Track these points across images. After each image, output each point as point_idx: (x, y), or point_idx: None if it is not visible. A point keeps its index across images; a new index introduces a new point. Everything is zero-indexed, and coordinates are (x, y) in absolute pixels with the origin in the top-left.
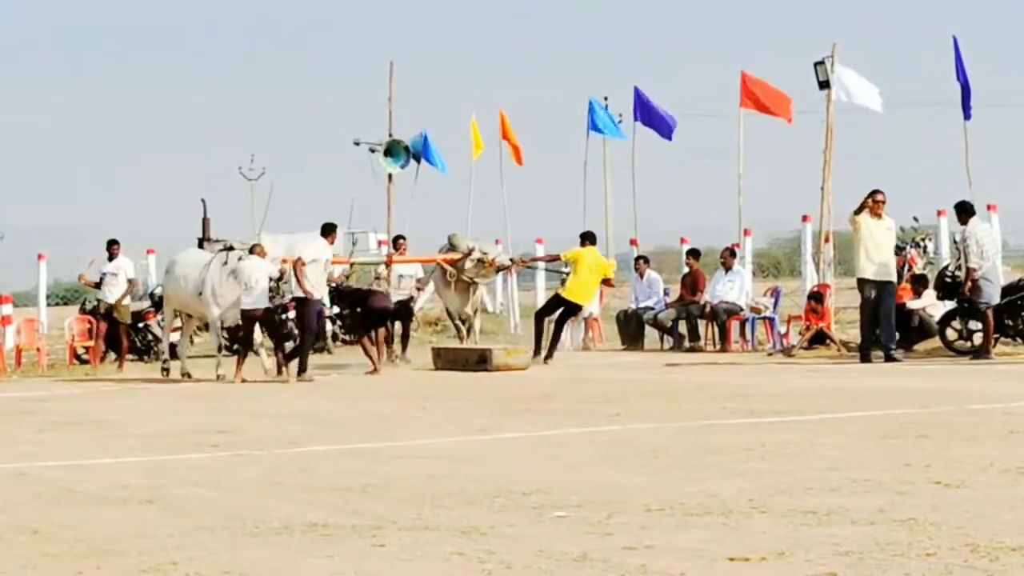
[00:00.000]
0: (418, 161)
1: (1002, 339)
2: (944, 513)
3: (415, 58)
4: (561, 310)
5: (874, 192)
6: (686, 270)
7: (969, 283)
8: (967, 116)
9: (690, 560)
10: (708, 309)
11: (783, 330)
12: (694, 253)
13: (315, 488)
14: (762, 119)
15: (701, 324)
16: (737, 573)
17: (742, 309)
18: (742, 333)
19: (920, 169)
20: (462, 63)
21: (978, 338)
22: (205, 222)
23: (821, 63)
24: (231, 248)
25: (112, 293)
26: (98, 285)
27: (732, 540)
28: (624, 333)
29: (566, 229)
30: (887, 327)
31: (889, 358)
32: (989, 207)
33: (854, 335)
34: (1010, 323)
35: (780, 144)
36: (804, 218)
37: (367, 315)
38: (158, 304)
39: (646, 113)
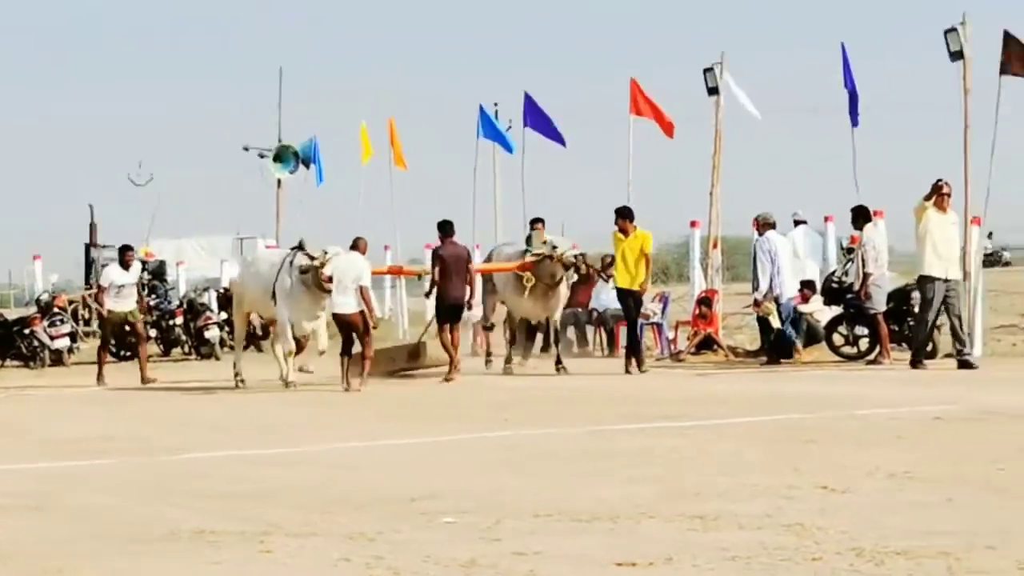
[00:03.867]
0: (307, 166)
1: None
2: (830, 518)
3: (305, 63)
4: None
5: (939, 183)
6: (576, 277)
7: (864, 288)
8: (855, 123)
9: (578, 566)
10: (596, 315)
11: (671, 336)
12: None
13: (206, 494)
14: (652, 126)
15: (590, 330)
16: None
17: None
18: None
19: (808, 175)
20: (353, 68)
21: (864, 343)
22: (92, 227)
23: (710, 70)
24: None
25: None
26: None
27: (620, 546)
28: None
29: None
30: (958, 330)
31: (964, 364)
32: (876, 213)
33: (741, 340)
34: (896, 329)
35: (669, 150)
36: (692, 223)
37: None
38: (44, 309)
39: (536, 119)
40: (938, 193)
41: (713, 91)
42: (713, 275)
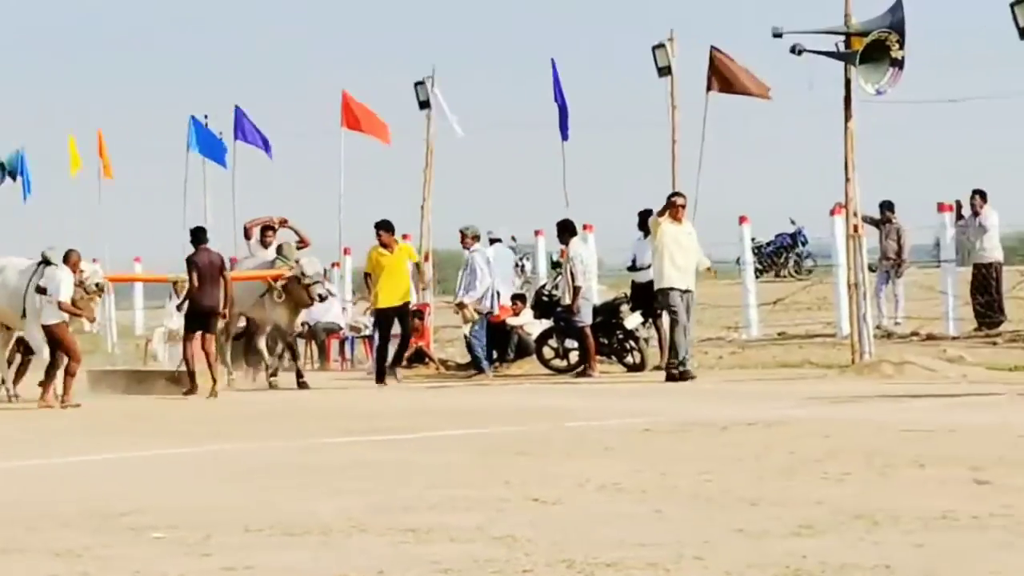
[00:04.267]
0: (14, 178)
1: (597, 357)
2: (541, 529)
3: (12, 74)
4: None
5: (672, 197)
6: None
7: (575, 302)
8: (565, 137)
9: None
10: (307, 328)
11: None
12: None
13: None
14: (364, 139)
15: (301, 343)
16: None
17: (341, 328)
18: (341, 352)
19: (519, 189)
20: (59, 79)
21: (574, 356)
22: None
23: (421, 83)
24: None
25: None
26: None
27: (332, 559)
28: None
29: (167, 248)
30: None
31: (672, 377)
32: (585, 227)
33: (452, 353)
34: (605, 341)
35: (381, 163)
36: (404, 236)
37: None
38: None
39: (247, 132)
40: (672, 207)
41: (424, 105)
42: (423, 289)
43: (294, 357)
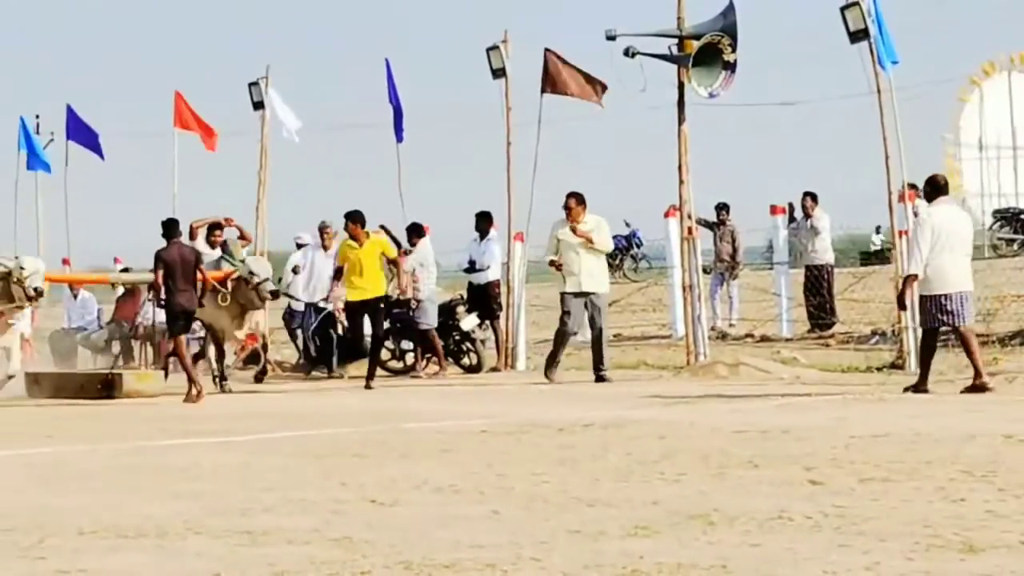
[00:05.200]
0: None
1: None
2: (379, 531)
3: None
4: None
5: (568, 201)
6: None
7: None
8: (399, 138)
9: None
10: (142, 329)
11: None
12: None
13: None
14: (197, 139)
15: (136, 344)
16: None
17: None
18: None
19: (355, 191)
20: None
21: (410, 357)
22: None
23: (255, 84)
24: None
25: None
26: None
27: (168, 561)
28: (56, 353)
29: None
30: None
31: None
32: (424, 228)
33: (288, 355)
34: (441, 343)
35: (216, 164)
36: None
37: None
38: None
39: (79, 132)
40: (569, 211)
41: (258, 105)
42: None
43: (220, 359)
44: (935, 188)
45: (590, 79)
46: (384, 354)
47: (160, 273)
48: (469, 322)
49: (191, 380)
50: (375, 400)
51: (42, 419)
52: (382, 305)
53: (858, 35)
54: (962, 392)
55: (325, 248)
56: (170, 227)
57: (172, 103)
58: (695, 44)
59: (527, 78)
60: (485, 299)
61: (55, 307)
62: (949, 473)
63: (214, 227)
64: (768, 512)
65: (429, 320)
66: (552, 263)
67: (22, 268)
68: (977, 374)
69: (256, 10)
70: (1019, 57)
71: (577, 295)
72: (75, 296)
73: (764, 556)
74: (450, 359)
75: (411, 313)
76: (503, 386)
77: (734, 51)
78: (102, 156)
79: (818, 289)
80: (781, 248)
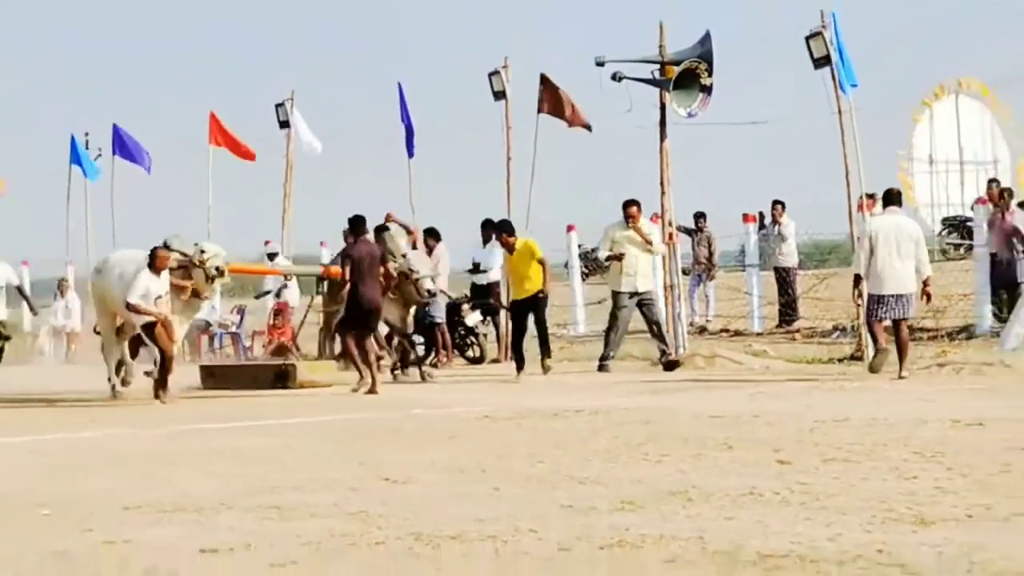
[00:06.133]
0: None
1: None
2: (392, 506)
3: None
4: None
5: (630, 203)
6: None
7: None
8: (411, 154)
9: (165, 553)
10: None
11: (248, 343)
12: None
13: None
14: (228, 155)
15: None
16: (208, 562)
17: (211, 324)
18: (211, 346)
19: (370, 201)
20: None
21: (420, 350)
22: None
23: (281, 104)
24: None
25: None
26: None
27: (203, 534)
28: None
29: (53, 251)
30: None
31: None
32: None
33: (312, 348)
34: (448, 336)
35: (245, 178)
36: (266, 242)
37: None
38: None
39: (125, 148)
40: (631, 217)
41: (284, 124)
42: (284, 290)
43: (407, 351)
44: (887, 200)
45: (577, 109)
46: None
47: (347, 269)
48: (473, 318)
49: (361, 371)
50: (388, 389)
51: (89, 402)
52: (541, 296)
53: (821, 62)
54: (893, 380)
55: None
56: (358, 224)
57: (207, 122)
58: (675, 69)
59: (525, 99)
60: (487, 298)
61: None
62: (902, 454)
63: (380, 228)
64: (741, 489)
65: (440, 315)
66: (611, 257)
67: (203, 252)
68: (901, 367)
69: (283, 37)
70: (965, 82)
71: (632, 295)
72: None
73: (737, 528)
74: (456, 351)
75: (426, 308)
76: (503, 376)
77: (710, 75)
78: (148, 170)
79: (784, 289)
80: (752, 252)
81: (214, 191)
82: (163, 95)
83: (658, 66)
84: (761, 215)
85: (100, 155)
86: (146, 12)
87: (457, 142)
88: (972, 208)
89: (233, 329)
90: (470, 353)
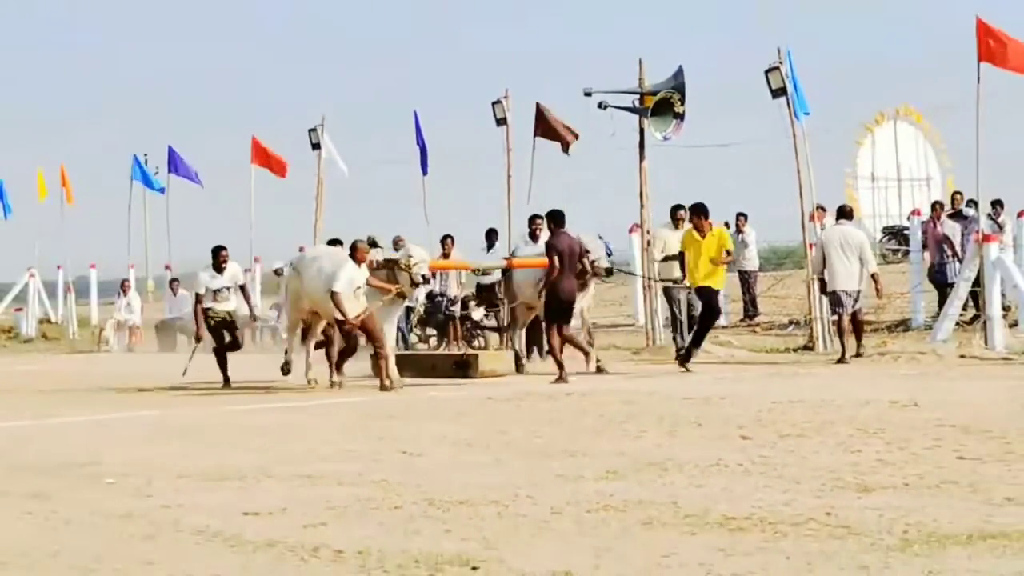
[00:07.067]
0: None
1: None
2: (408, 475)
3: None
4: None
5: (678, 210)
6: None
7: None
8: (425, 172)
9: (214, 515)
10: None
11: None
12: None
13: None
14: (268, 173)
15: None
16: (250, 523)
17: (256, 318)
18: (253, 340)
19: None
20: (31, 122)
21: (433, 341)
22: None
23: (314, 129)
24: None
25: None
26: None
27: (246, 499)
28: (160, 338)
29: (116, 256)
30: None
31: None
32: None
33: None
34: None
35: (282, 193)
36: (300, 248)
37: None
38: None
39: (178, 166)
40: (677, 219)
41: (316, 146)
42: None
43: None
44: (839, 214)
45: (568, 129)
46: (412, 338)
47: (555, 259)
48: (478, 313)
49: (560, 364)
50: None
51: (147, 387)
52: (718, 291)
53: (778, 92)
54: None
55: (535, 239)
56: (558, 218)
57: (250, 145)
58: (653, 99)
59: (523, 125)
60: (491, 296)
61: (161, 302)
62: (848, 431)
63: (534, 218)
64: (709, 461)
65: (456, 310)
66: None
67: (410, 256)
68: (843, 352)
69: (315, 70)
70: (903, 109)
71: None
72: (175, 293)
73: (706, 495)
74: (463, 341)
75: (444, 304)
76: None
77: (683, 104)
78: (201, 184)
79: (747, 288)
80: None
81: (255, 203)
82: (207, 121)
83: (638, 96)
84: (727, 225)
85: (157, 172)
86: (193, 48)
87: (464, 162)
88: (908, 219)
89: (272, 323)
90: (476, 343)
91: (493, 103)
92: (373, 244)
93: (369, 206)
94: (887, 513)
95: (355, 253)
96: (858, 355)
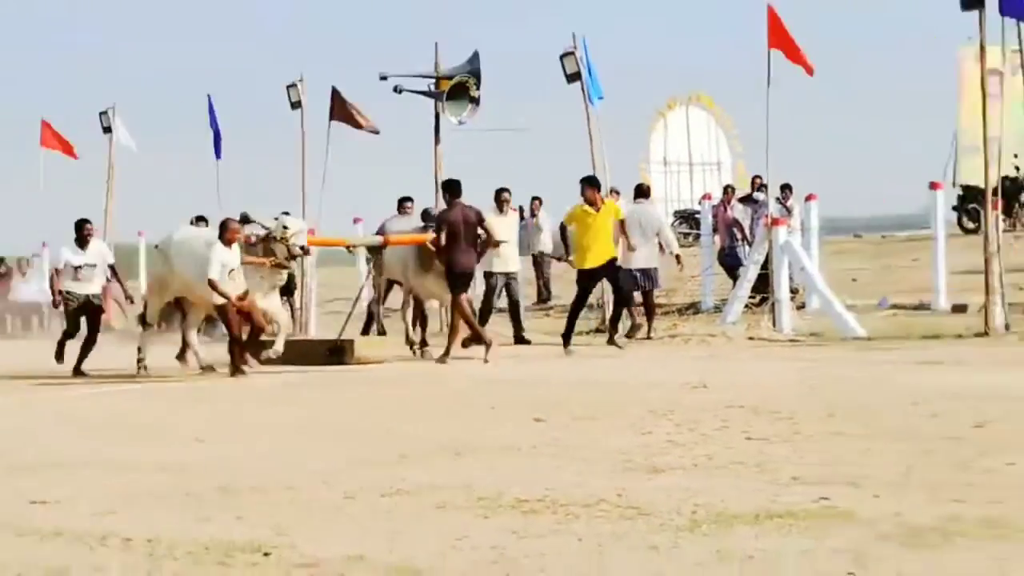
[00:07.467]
0: None
1: None
2: (203, 462)
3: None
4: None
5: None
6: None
7: None
8: (218, 156)
9: (0, 504)
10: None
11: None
12: None
13: None
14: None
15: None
16: (38, 512)
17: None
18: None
19: (179, 199)
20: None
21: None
22: None
23: (105, 113)
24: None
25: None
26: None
27: (35, 489)
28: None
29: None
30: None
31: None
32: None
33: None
34: None
35: (72, 175)
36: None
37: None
38: None
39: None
40: (502, 201)
41: (107, 130)
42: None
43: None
44: (636, 193)
45: (367, 119)
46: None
47: (443, 234)
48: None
49: (475, 329)
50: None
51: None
52: (616, 264)
53: (573, 77)
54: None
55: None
56: (453, 187)
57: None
58: (449, 83)
59: (320, 109)
60: None
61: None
62: (639, 412)
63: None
64: (503, 443)
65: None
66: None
67: (285, 227)
68: (649, 327)
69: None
70: (695, 96)
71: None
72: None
73: (502, 476)
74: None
75: None
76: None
77: (478, 88)
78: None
79: (540, 272)
80: (514, 243)
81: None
82: None
83: (433, 80)
84: (522, 208)
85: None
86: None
87: (258, 147)
88: (700, 203)
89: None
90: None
91: (288, 86)
92: (245, 220)
93: (162, 192)
94: (676, 494)
95: (225, 233)
96: (648, 337)
